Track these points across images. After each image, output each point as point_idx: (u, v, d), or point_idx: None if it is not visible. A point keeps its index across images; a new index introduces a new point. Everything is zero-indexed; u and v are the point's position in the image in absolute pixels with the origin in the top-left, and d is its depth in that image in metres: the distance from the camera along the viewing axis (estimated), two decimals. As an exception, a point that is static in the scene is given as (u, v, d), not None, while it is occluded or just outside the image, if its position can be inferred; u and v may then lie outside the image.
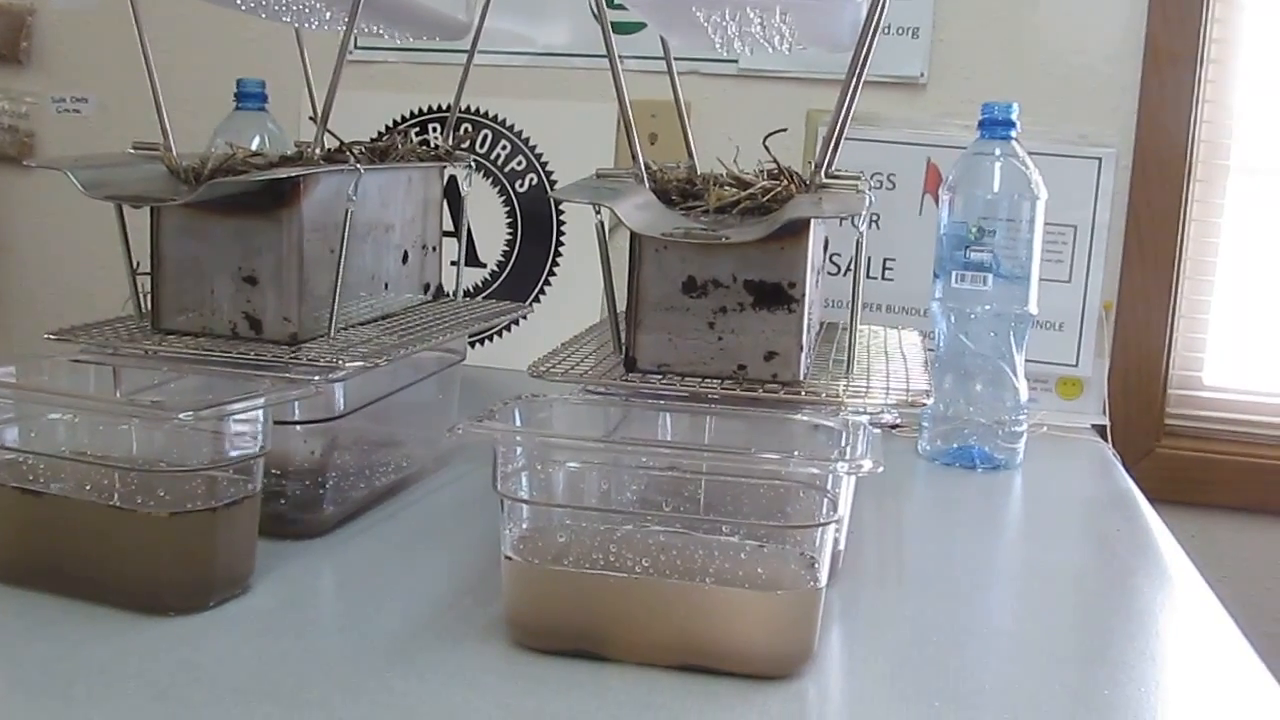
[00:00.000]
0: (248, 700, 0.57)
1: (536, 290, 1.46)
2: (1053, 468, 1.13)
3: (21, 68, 1.65)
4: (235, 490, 0.67)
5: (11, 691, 0.57)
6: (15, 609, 0.66)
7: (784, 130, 0.90)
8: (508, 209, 1.47)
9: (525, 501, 0.64)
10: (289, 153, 0.85)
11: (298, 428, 0.78)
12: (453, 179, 1.10)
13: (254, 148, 1.23)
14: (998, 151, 1.08)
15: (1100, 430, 1.30)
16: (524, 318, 1.43)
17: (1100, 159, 1.29)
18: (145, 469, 0.69)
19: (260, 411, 0.67)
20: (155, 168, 0.80)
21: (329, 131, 0.83)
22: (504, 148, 1.47)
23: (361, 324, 0.87)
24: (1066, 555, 0.88)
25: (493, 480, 0.63)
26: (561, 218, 1.46)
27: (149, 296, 0.82)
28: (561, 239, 1.45)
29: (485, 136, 1.47)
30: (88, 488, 0.68)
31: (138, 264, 0.83)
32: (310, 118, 0.94)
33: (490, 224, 1.47)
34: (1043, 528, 0.96)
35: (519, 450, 0.64)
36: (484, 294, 1.47)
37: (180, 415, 0.63)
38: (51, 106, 1.66)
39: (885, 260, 1.34)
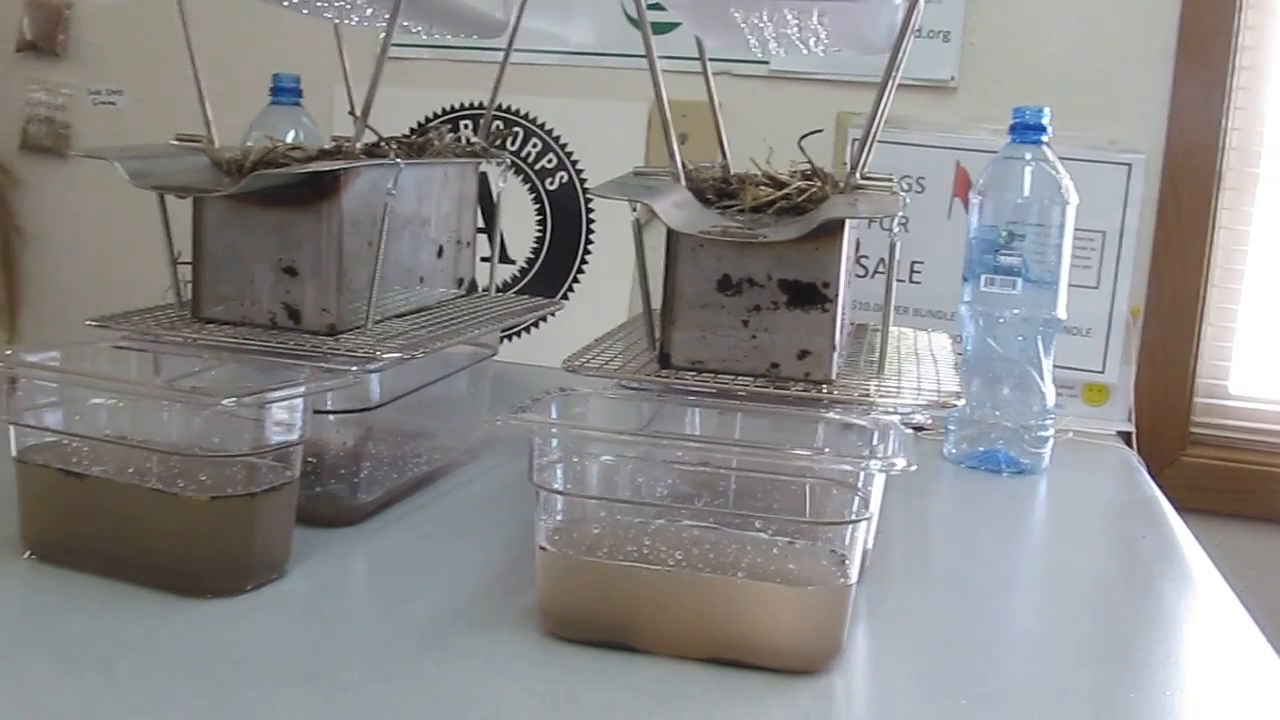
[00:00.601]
0: (284, 681, 0.58)
1: (565, 288, 1.47)
2: (1078, 473, 1.13)
3: (59, 60, 1.67)
4: (274, 477, 0.69)
5: (55, 666, 0.58)
6: (58, 588, 0.67)
7: (819, 131, 0.91)
8: (537, 206, 1.48)
9: (560, 493, 0.65)
10: (326, 147, 0.87)
11: (334, 417, 0.79)
12: (483, 176, 1.11)
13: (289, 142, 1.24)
14: (1028, 156, 1.09)
15: (1125, 437, 1.31)
16: (553, 314, 1.45)
17: (1130, 165, 1.29)
18: (187, 453, 0.70)
19: (299, 400, 0.68)
20: (198, 159, 0.81)
21: (369, 127, 0.84)
22: (535, 145, 1.48)
23: (397, 316, 0.88)
24: (1091, 559, 0.89)
25: (529, 471, 0.64)
26: (591, 216, 1.47)
27: (189, 286, 0.83)
28: (591, 237, 1.46)
29: (517, 134, 1.48)
30: (130, 471, 0.69)
31: (178, 253, 0.84)
32: (350, 113, 0.95)
33: (520, 221, 1.49)
34: (1068, 532, 0.96)
35: (555, 442, 0.65)
36: (513, 291, 1.48)
37: (223, 401, 0.64)
38: (87, 99, 1.68)
39: (913, 263, 1.35)
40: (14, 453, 0.70)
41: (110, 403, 0.74)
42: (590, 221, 1.47)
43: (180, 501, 0.66)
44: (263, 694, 0.57)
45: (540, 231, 1.48)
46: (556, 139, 1.47)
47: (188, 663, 0.59)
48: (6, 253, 1.71)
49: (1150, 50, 1.31)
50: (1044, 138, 1.09)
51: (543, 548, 0.64)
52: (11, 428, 0.70)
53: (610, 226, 1.47)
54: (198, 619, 0.64)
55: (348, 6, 0.95)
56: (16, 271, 1.73)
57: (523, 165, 1.48)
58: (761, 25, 0.84)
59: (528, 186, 1.48)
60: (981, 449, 1.10)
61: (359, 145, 0.83)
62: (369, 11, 0.97)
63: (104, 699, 0.55)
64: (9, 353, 0.71)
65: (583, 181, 1.47)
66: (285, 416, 0.68)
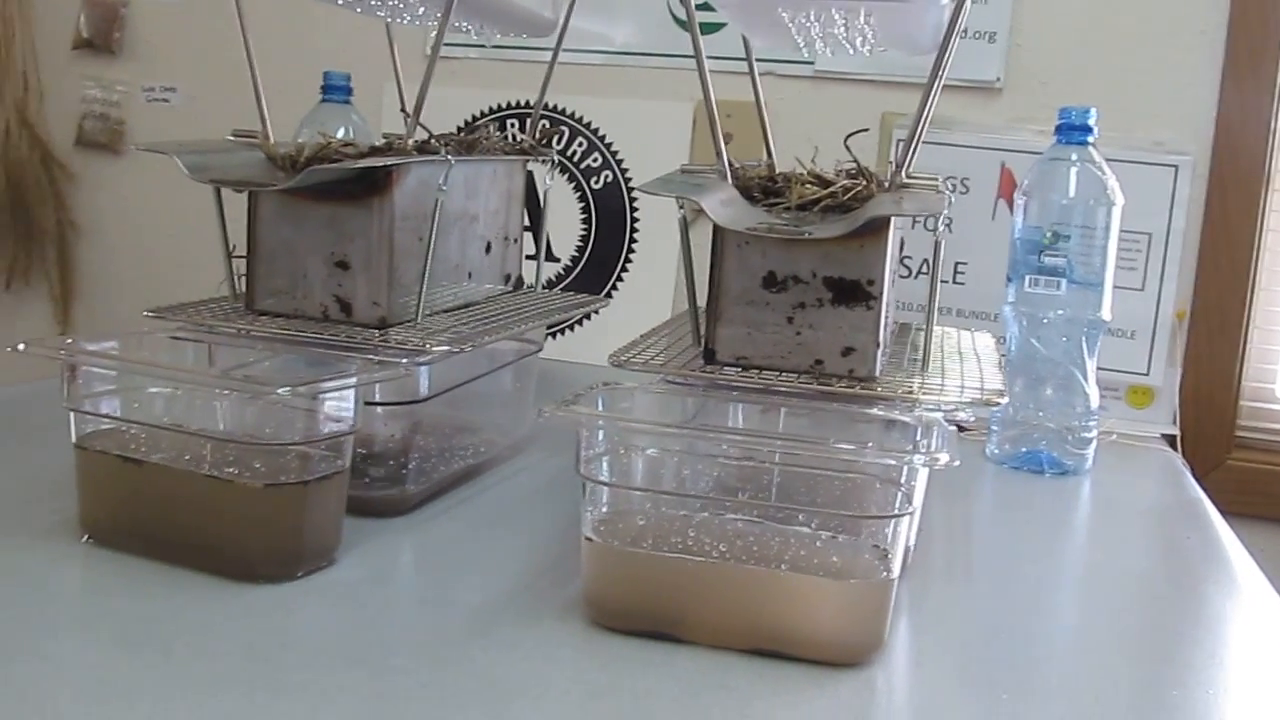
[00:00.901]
0: (335, 663, 0.59)
1: (609, 286, 1.48)
2: (1122, 475, 1.13)
3: (114, 57, 1.70)
4: (326, 466, 0.70)
5: (114, 645, 0.60)
6: (116, 571, 0.69)
7: (865, 130, 0.91)
8: (582, 205, 1.49)
9: (606, 484, 0.66)
10: (377, 144, 0.88)
11: (383, 409, 0.81)
12: (529, 175, 1.12)
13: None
14: (1074, 156, 1.09)
15: (1170, 440, 1.30)
16: (597, 312, 1.46)
17: (1177, 166, 1.29)
18: (243, 441, 0.72)
19: (351, 391, 0.70)
20: (254, 155, 0.83)
21: (420, 124, 0.86)
22: (580, 145, 1.49)
23: (445, 311, 0.90)
24: (1135, 560, 0.89)
25: (575, 463, 0.65)
26: (635, 215, 1.48)
27: (243, 279, 0.85)
28: (635, 236, 1.47)
29: (562, 133, 1.49)
30: (186, 458, 0.71)
31: (233, 247, 0.86)
32: (401, 110, 0.97)
33: (565, 220, 1.50)
34: (1111, 532, 0.96)
35: (601, 435, 0.66)
36: (558, 289, 1.50)
37: (278, 390, 0.66)
38: (141, 96, 1.70)
39: (957, 264, 1.35)
40: (74, 439, 0.72)
41: (166, 392, 0.76)
42: (634, 221, 1.48)
43: (235, 488, 0.68)
44: (314, 675, 0.58)
45: (585, 230, 1.50)
46: (602, 138, 1.48)
47: (241, 644, 0.60)
48: (61, 246, 1.74)
49: (1198, 51, 1.31)
50: (1090, 138, 1.09)
51: (588, 538, 0.65)
52: (71, 414, 0.72)
53: (654, 226, 1.47)
54: (251, 603, 0.66)
55: (400, 5, 0.96)
56: (70, 264, 1.76)
57: (568, 164, 1.49)
58: (809, 25, 0.84)
59: (573, 185, 1.49)
60: (1024, 450, 1.10)
61: (410, 142, 0.85)
62: (421, 10, 0.98)
63: (161, 676, 0.56)
64: (69, 341, 0.73)
65: (627, 181, 1.48)
66: (337, 407, 0.70)
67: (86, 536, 0.73)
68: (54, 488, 0.79)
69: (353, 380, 0.69)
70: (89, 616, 0.65)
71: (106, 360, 0.73)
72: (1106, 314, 1.09)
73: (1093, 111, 1.09)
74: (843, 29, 0.85)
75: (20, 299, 1.78)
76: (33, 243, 1.74)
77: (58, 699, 0.54)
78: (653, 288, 1.46)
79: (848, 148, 0.79)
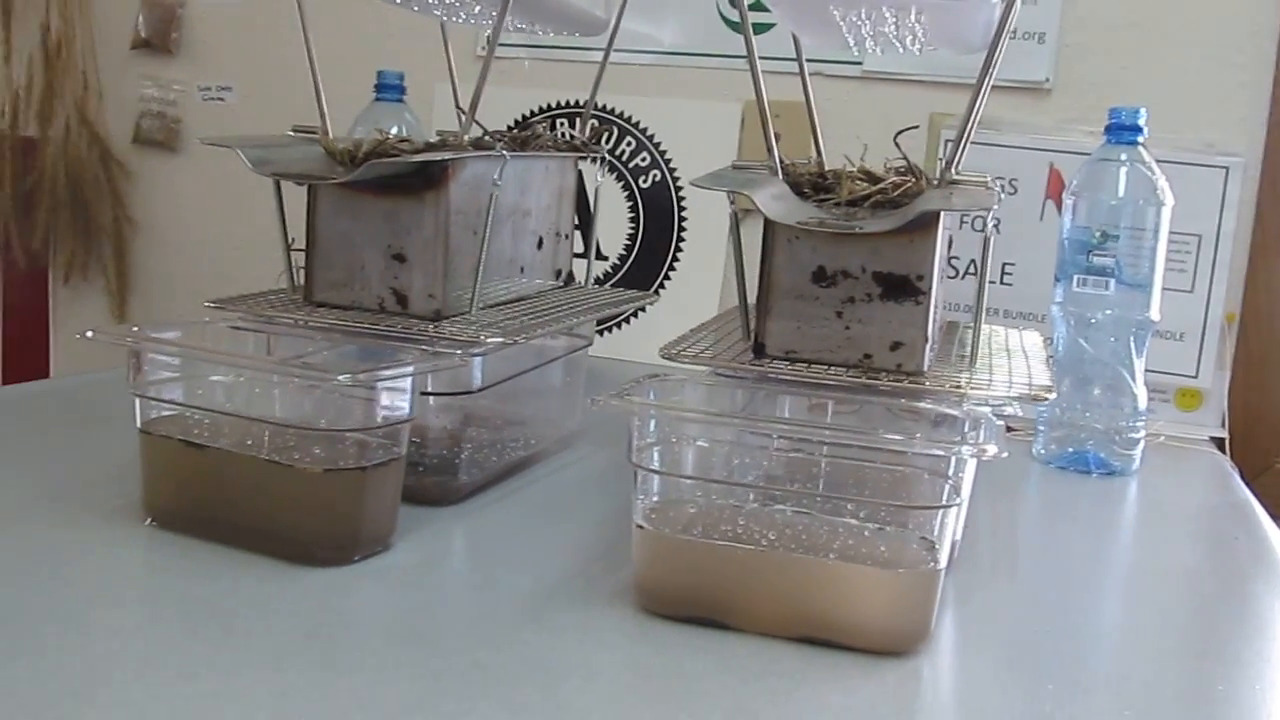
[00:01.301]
0: (392, 643, 0.61)
1: (656, 285, 1.49)
2: (1169, 476, 1.13)
3: (171, 57, 1.74)
4: (383, 453, 0.72)
5: (177, 624, 0.61)
6: (179, 553, 0.71)
7: (915, 127, 0.92)
8: (630, 204, 1.51)
9: (657, 472, 0.67)
10: (432, 140, 0.90)
11: (437, 401, 0.82)
12: (579, 175, 1.13)
13: (392, 137, 1.28)
14: (1124, 156, 1.09)
15: (1218, 443, 1.29)
16: (644, 309, 1.47)
17: (1228, 168, 1.28)
18: (303, 427, 0.73)
19: (408, 379, 0.71)
20: (313, 149, 0.85)
21: (475, 121, 0.87)
22: (629, 144, 1.50)
23: (498, 304, 0.91)
24: (1182, 559, 0.89)
25: (627, 452, 0.66)
26: (683, 214, 1.49)
27: (302, 271, 0.87)
28: (683, 235, 1.48)
29: (611, 132, 1.51)
30: (247, 443, 0.73)
31: (292, 240, 0.88)
32: (456, 108, 0.99)
33: (613, 218, 1.51)
34: (1158, 532, 0.96)
35: (653, 424, 0.67)
36: (606, 286, 1.51)
37: (338, 378, 0.67)
38: (198, 95, 1.74)
39: (1004, 265, 1.35)
40: (138, 424, 0.74)
41: (227, 380, 0.78)
42: (682, 220, 1.49)
43: (295, 473, 0.69)
44: (370, 653, 0.59)
45: (633, 229, 1.51)
46: (650, 138, 1.50)
47: (300, 624, 0.62)
48: (118, 242, 1.78)
49: (1249, 51, 1.30)
50: (1140, 139, 1.09)
51: (639, 526, 0.66)
52: (137, 400, 0.74)
53: (702, 226, 1.49)
54: (309, 585, 0.67)
55: (456, 4, 0.98)
56: (126, 260, 1.79)
57: (617, 163, 1.51)
58: (859, 23, 0.85)
59: (621, 184, 1.51)
60: (1071, 450, 1.10)
61: (465, 138, 0.86)
62: (476, 9, 1.00)
63: (224, 654, 0.58)
64: (135, 329, 0.75)
65: (675, 180, 1.49)
66: (394, 395, 0.71)
67: (150, 520, 0.75)
68: (118, 473, 0.81)
69: (410, 369, 0.71)
70: (153, 596, 0.67)
71: (171, 347, 0.75)
72: (1155, 315, 1.09)
73: (1142, 111, 1.09)
74: (893, 27, 0.85)
75: (78, 293, 1.82)
76: (91, 238, 1.78)
77: (125, 674, 0.56)
78: (699, 287, 1.48)
79: (897, 145, 0.80)
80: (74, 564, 0.68)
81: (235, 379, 0.78)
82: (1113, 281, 1.07)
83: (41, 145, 1.75)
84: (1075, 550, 0.88)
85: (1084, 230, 1.09)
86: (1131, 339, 1.09)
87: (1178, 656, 0.69)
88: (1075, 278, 1.09)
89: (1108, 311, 1.08)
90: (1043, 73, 1.35)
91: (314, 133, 0.87)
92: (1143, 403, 1.10)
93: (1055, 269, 1.13)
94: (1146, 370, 1.12)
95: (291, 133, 0.87)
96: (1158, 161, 1.09)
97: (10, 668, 0.55)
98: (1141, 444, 1.10)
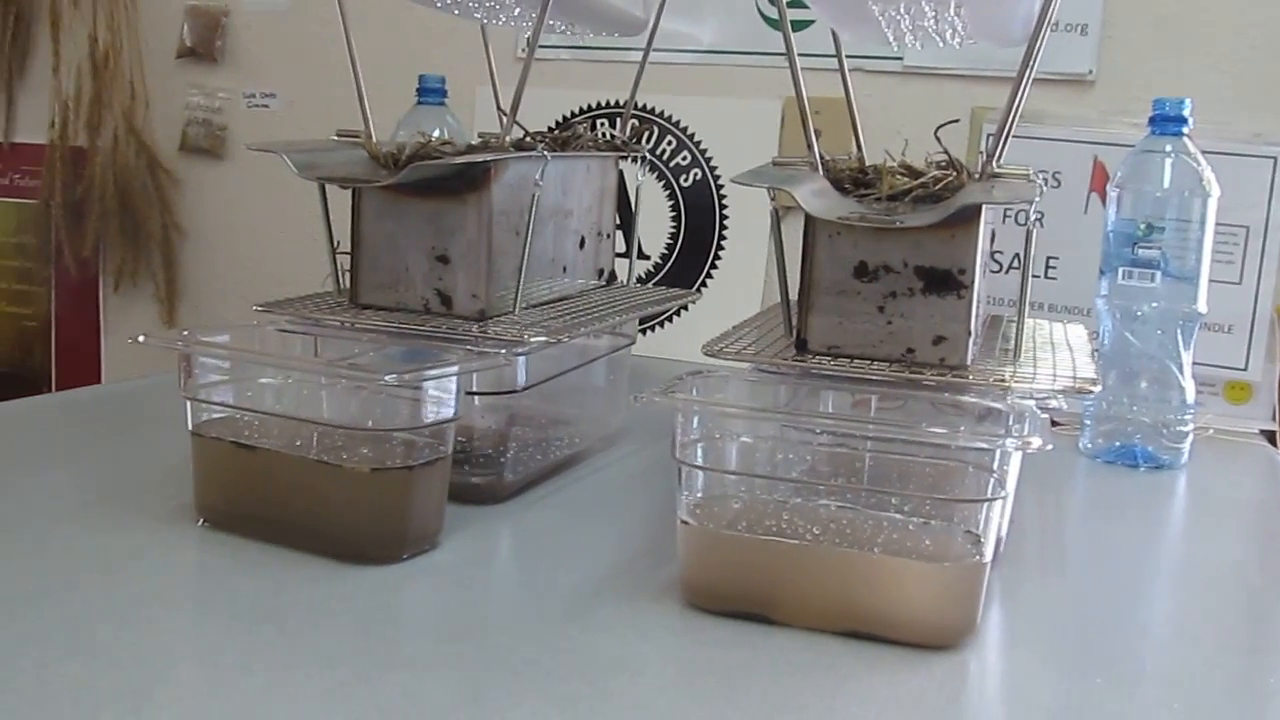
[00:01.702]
0: (441, 640, 0.61)
1: (697, 284, 1.49)
2: (1219, 470, 1.11)
3: (216, 65, 1.76)
4: (429, 452, 0.72)
5: (232, 621, 0.62)
6: (230, 552, 0.72)
7: (956, 121, 0.92)
8: (671, 203, 1.51)
9: (701, 468, 0.68)
10: (473, 143, 0.90)
11: (482, 400, 0.83)
12: (620, 175, 1.14)
13: (435, 140, 1.29)
14: (1168, 148, 1.08)
15: (1268, 436, 1.28)
16: (686, 308, 1.47)
17: (1275, 158, 1.27)
18: (350, 427, 0.74)
19: (453, 379, 0.72)
20: (357, 153, 0.86)
21: (516, 122, 0.88)
22: (670, 143, 1.51)
23: (541, 304, 0.92)
24: (1231, 553, 0.88)
25: (671, 449, 0.67)
26: (725, 213, 1.49)
27: (347, 274, 0.88)
28: (724, 233, 1.49)
29: (652, 132, 1.51)
30: (296, 444, 0.74)
31: (337, 243, 0.89)
32: (498, 109, 0.99)
33: (655, 218, 1.51)
34: (1207, 526, 0.96)
35: (696, 421, 0.68)
36: (648, 285, 1.51)
37: (385, 378, 0.68)
38: (242, 102, 1.76)
39: (1048, 259, 1.34)
40: (189, 426, 0.75)
41: (275, 382, 0.79)
42: (724, 219, 1.49)
43: (343, 473, 0.70)
44: (419, 650, 0.60)
45: (674, 228, 1.51)
46: (691, 136, 1.50)
47: (350, 621, 0.63)
48: (166, 249, 1.80)
49: (1297, 41, 1.29)
50: (1185, 130, 1.08)
51: (684, 521, 0.66)
52: (188, 403, 0.75)
53: (743, 224, 1.49)
54: (358, 583, 0.68)
55: (496, 6, 0.98)
56: (175, 266, 1.81)
57: (658, 163, 1.51)
58: (898, 18, 0.85)
59: (662, 184, 1.51)
60: (1118, 444, 1.09)
61: (507, 139, 0.87)
62: (516, 11, 1.00)
63: (275, 651, 0.59)
64: (186, 333, 0.76)
65: (716, 179, 1.49)
66: (440, 395, 0.72)
67: (202, 520, 0.76)
68: (170, 475, 0.83)
69: (454, 369, 0.72)
70: (206, 595, 0.68)
71: (221, 351, 0.76)
72: (1202, 307, 1.08)
73: (1187, 102, 1.08)
74: (932, 21, 0.85)
75: (128, 300, 1.84)
76: (140, 246, 1.80)
77: (180, 672, 0.57)
78: (741, 285, 1.48)
79: (938, 139, 0.79)
80: (129, 565, 0.70)
81: (284, 381, 0.79)
82: (1159, 274, 1.07)
83: (90, 155, 1.78)
84: (1123, 544, 0.87)
85: (1129, 223, 1.08)
86: (1179, 331, 1.08)
87: (1227, 651, 0.68)
88: (1120, 270, 1.08)
89: (1154, 304, 1.07)
90: (1086, 65, 1.35)
91: (357, 137, 0.88)
92: (1191, 396, 1.09)
93: (1100, 262, 1.12)
94: (1194, 363, 1.11)
95: (335, 137, 0.88)
96: (1203, 152, 1.08)
97: (68, 666, 0.56)
98: (1190, 437, 1.09)
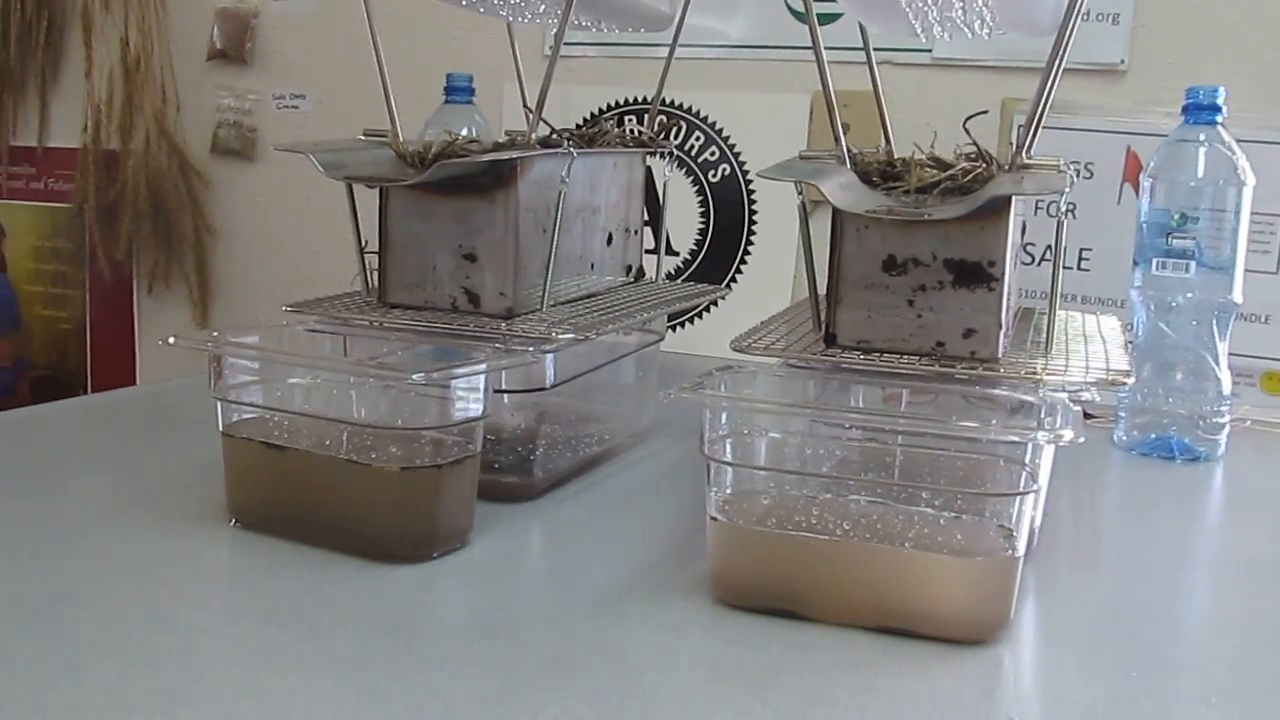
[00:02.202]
0: (472, 638, 0.61)
1: (727, 279, 1.49)
2: (1256, 461, 1.10)
3: (246, 67, 1.77)
4: (458, 450, 0.72)
5: (264, 622, 0.63)
6: (262, 552, 0.72)
7: (984, 112, 0.91)
8: (700, 199, 1.51)
9: (730, 464, 0.67)
10: (501, 141, 0.90)
11: (510, 399, 0.83)
12: (648, 170, 1.14)
13: (463, 138, 1.29)
14: (1202, 137, 1.06)
15: (1307, 426, 1.26)
16: (716, 304, 1.47)
17: (1312, 146, 1.25)
18: (379, 426, 0.75)
19: (481, 378, 0.72)
20: (384, 152, 0.86)
21: (542, 119, 0.88)
22: (698, 139, 1.50)
23: (569, 301, 0.92)
24: (1269, 545, 0.87)
25: (699, 445, 0.66)
26: (754, 208, 1.48)
27: (375, 273, 0.88)
28: (753, 229, 1.48)
29: (680, 128, 1.51)
30: (326, 444, 0.74)
31: (365, 242, 0.89)
32: (524, 107, 0.99)
33: (683, 214, 1.51)
34: (1245, 518, 0.94)
35: (725, 417, 0.67)
36: (677, 281, 1.51)
37: (413, 376, 0.68)
38: (272, 103, 1.76)
39: (1081, 250, 1.33)
40: (220, 427, 0.76)
41: (305, 382, 0.79)
42: (752, 214, 1.49)
43: (372, 472, 0.71)
44: (450, 648, 0.60)
45: (703, 224, 1.51)
46: (719, 132, 1.49)
47: (382, 620, 0.63)
48: (198, 251, 1.81)
49: (1333, 26, 1.27)
50: (1219, 118, 1.07)
51: (714, 518, 0.66)
52: (219, 404, 0.75)
53: (772, 219, 1.48)
54: (389, 582, 0.68)
55: (522, 4, 0.98)
56: (207, 268, 1.83)
57: (685, 158, 1.51)
58: (926, 9, 0.84)
59: (690, 179, 1.51)
60: (1154, 436, 1.08)
61: (533, 137, 0.87)
62: (541, 9, 1.00)
63: (308, 650, 0.59)
64: (215, 334, 0.76)
65: (745, 174, 1.49)
66: (468, 393, 0.72)
67: (234, 520, 0.76)
68: (203, 476, 0.83)
69: (482, 367, 0.72)
70: (239, 595, 0.68)
71: (250, 351, 0.77)
72: (1238, 297, 1.07)
73: (1221, 90, 1.07)
74: (960, 12, 0.85)
75: (162, 302, 1.86)
76: (173, 248, 1.81)
77: (213, 671, 0.57)
78: (771, 280, 1.47)
79: (966, 130, 0.79)
80: (162, 566, 0.70)
81: (313, 381, 0.79)
82: (1193, 264, 1.05)
83: (123, 158, 1.79)
84: (1159, 537, 0.86)
85: (1162, 213, 1.07)
86: (1214, 322, 1.07)
87: (1265, 644, 0.67)
88: (1154, 261, 1.07)
89: (1189, 295, 1.06)
90: (1118, 54, 1.33)
91: (384, 136, 0.88)
92: (1227, 387, 1.08)
93: (1134, 253, 1.11)
94: (1230, 354, 1.10)
95: (362, 137, 0.88)
96: (1238, 141, 1.07)
97: (102, 667, 0.56)
98: (1226, 429, 1.08)
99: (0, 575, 0.67)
